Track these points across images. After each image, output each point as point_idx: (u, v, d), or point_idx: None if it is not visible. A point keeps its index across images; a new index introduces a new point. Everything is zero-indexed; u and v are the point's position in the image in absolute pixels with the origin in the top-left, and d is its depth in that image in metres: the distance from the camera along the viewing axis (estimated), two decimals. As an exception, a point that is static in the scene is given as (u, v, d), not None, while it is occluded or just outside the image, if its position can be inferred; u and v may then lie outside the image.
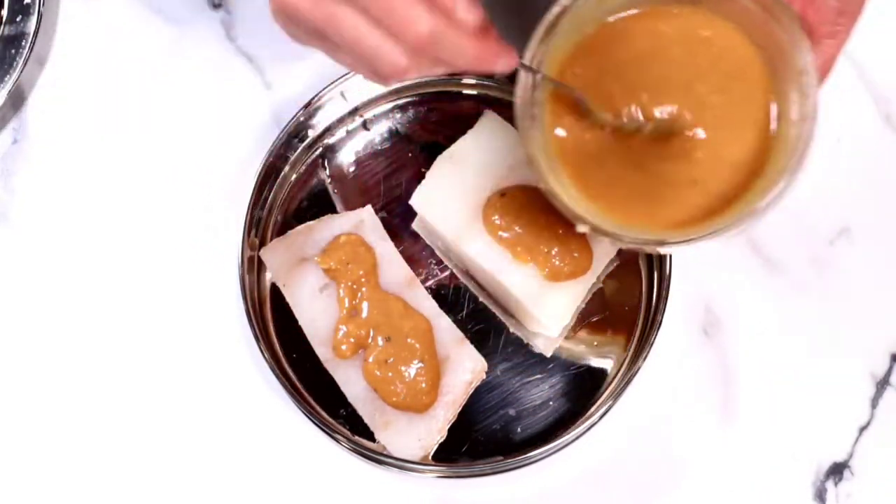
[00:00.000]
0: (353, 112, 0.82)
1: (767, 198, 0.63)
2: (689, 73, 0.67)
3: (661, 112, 0.67)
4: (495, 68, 0.58)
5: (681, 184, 0.66)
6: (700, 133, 0.66)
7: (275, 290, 0.79)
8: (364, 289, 0.76)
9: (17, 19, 0.81)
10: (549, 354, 0.77)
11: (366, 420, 0.75)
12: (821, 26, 0.63)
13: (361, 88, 0.81)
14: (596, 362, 0.77)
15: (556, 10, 0.64)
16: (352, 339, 0.75)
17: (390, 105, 0.82)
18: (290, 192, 0.81)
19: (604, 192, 0.67)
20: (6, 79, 0.81)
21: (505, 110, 0.81)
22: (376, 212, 0.79)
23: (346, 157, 0.82)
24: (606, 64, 0.67)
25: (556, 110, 0.67)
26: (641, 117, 0.67)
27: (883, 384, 0.78)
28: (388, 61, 0.55)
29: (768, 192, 0.63)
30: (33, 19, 0.81)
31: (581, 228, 0.64)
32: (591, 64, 0.68)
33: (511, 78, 0.65)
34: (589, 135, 0.67)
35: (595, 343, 0.78)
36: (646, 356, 0.74)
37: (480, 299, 0.79)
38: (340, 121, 0.82)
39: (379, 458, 0.74)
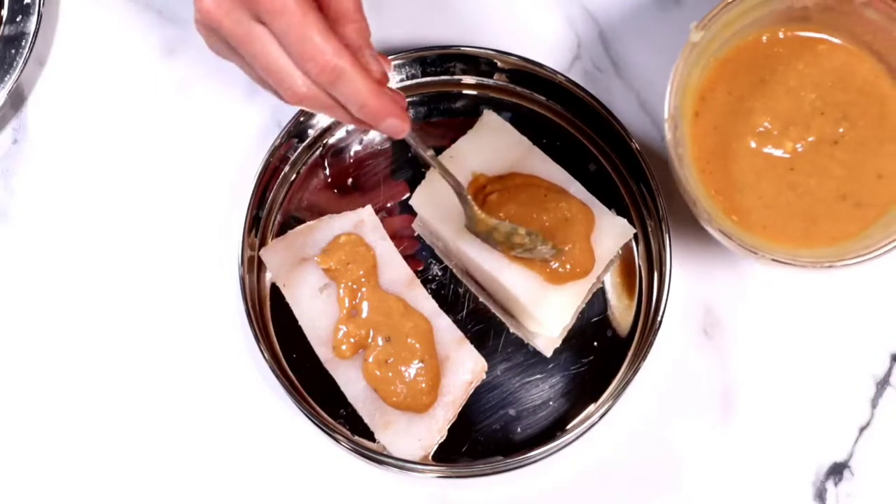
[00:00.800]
0: (353, 112, 0.82)
1: None
2: (819, 92, 0.69)
3: (805, 139, 0.69)
4: (381, 126, 0.61)
5: (831, 199, 0.68)
6: (851, 151, 0.68)
7: (275, 290, 0.79)
8: (364, 289, 0.76)
9: (17, 19, 0.81)
10: (549, 354, 0.77)
11: (366, 420, 0.75)
12: None
13: (361, 88, 0.81)
14: (596, 362, 0.77)
15: (687, 47, 0.68)
16: (352, 339, 0.75)
17: (390, 105, 0.82)
18: (290, 192, 0.81)
19: (762, 219, 0.69)
20: (6, 79, 0.81)
21: (504, 110, 0.81)
22: (376, 212, 0.79)
23: (346, 157, 0.82)
24: (737, 91, 0.70)
25: (700, 145, 0.70)
26: (787, 152, 0.69)
27: (883, 384, 0.78)
28: (290, 86, 0.59)
29: None
30: (33, 19, 0.81)
31: (759, 262, 0.65)
32: (724, 92, 0.71)
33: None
34: (738, 165, 0.69)
35: (595, 343, 0.78)
36: (646, 356, 0.74)
37: (480, 299, 0.79)
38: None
39: (379, 458, 0.74)
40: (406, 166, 0.81)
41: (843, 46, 0.71)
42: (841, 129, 0.70)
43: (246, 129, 0.83)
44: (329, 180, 0.81)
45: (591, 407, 0.76)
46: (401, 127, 0.62)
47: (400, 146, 0.82)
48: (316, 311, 0.77)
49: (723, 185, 0.70)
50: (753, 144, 0.70)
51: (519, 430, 0.76)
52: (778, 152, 0.70)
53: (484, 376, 0.76)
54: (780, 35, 0.71)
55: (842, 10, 0.68)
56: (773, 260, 0.67)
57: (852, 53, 0.70)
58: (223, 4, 0.57)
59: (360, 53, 0.60)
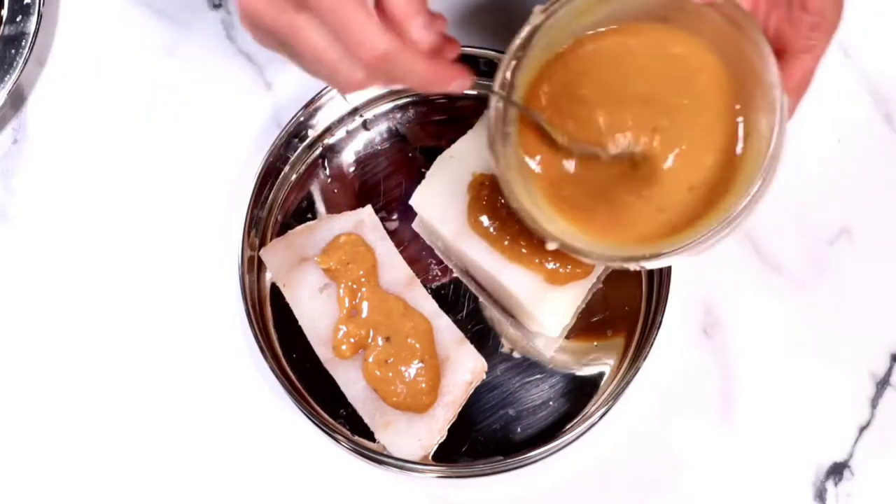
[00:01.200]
0: (353, 112, 0.82)
1: (735, 211, 0.62)
2: (655, 91, 0.67)
3: (624, 135, 0.67)
4: (447, 89, 0.59)
5: (648, 210, 0.67)
6: (665, 157, 0.67)
7: (275, 290, 0.79)
8: (364, 289, 0.76)
9: (17, 19, 0.81)
10: (549, 354, 0.77)
11: (366, 420, 0.75)
12: (797, 41, 0.64)
13: (361, 88, 0.81)
14: (596, 362, 0.77)
15: (527, 27, 0.65)
16: (352, 339, 0.75)
17: (390, 105, 0.82)
18: (290, 192, 0.81)
19: (575, 209, 0.67)
20: (6, 79, 0.81)
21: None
22: (376, 212, 0.79)
23: (346, 157, 0.82)
24: (575, 83, 0.68)
25: (528, 129, 0.68)
26: (602, 147, 0.67)
27: (883, 384, 0.78)
28: (345, 76, 0.56)
29: (736, 205, 0.62)
30: (33, 19, 0.81)
31: (550, 246, 0.64)
32: (560, 82, 0.68)
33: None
34: (560, 154, 0.68)
35: (595, 343, 0.78)
36: (646, 356, 0.74)
37: (480, 299, 0.79)
38: (340, 121, 0.82)
39: (379, 458, 0.74)
40: (406, 166, 0.81)
41: (696, 54, 0.67)
42: (668, 139, 0.67)
43: (246, 129, 0.83)
44: (329, 180, 0.81)
45: (591, 407, 0.76)
46: (464, 85, 0.59)
47: (400, 146, 0.82)
48: (316, 311, 0.77)
49: (540, 164, 0.68)
50: (575, 130, 0.68)
51: (519, 430, 0.76)
52: (596, 145, 0.68)
53: (484, 376, 0.76)
54: (635, 32, 0.68)
55: (693, 13, 0.65)
56: (562, 245, 0.64)
57: (704, 64, 0.67)
58: None
59: (408, 24, 0.56)
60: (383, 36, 0.54)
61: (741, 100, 0.66)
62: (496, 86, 0.65)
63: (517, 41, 0.65)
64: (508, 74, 0.65)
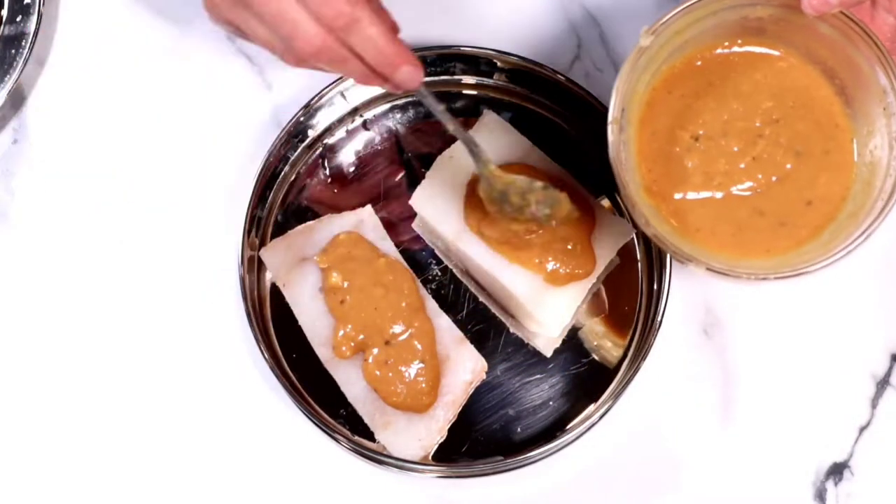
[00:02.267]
0: (353, 112, 0.82)
1: (867, 224, 0.64)
2: (769, 110, 0.68)
3: (751, 157, 0.68)
4: (397, 75, 0.60)
5: (769, 225, 0.68)
6: (783, 174, 0.67)
7: (275, 290, 0.79)
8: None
9: (17, 19, 0.81)
10: (549, 354, 0.77)
11: (366, 420, 0.75)
12: (882, 43, 0.65)
13: (361, 89, 0.81)
14: (596, 362, 0.77)
15: (636, 51, 0.66)
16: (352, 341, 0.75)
17: (390, 105, 0.82)
18: (290, 192, 0.81)
19: (698, 230, 0.67)
20: (6, 79, 0.81)
21: (504, 110, 0.81)
22: (376, 212, 0.79)
23: (346, 157, 0.82)
24: (686, 97, 0.68)
25: (644, 148, 0.68)
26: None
27: (883, 384, 0.78)
28: (304, 38, 0.58)
29: (865, 217, 0.64)
30: (33, 19, 0.81)
31: (697, 270, 0.64)
32: (673, 96, 0.69)
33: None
34: (680, 170, 0.68)
35: (595, 343, 0.78)
36: (646, 356, 0.74)
37: (480, 299, 0.79)
38: (340, 121, 0.82)
39: (379, 458, 0.74)
40: (406, 166, 0.81)
41: (799, 68, 0.68)
42: (780, 155, 0.68)
43: (246, 129, 0.83)
44: (329, 180, 0.81)
45: (591, 407, 0.76)
46: (416, 75, 0.61)
47: (399, 146, 0.82)
48: (316, 311, 0.76)
49: (663, 189, 0.68)
50: (699, 147, 0.69)
51: (519, 430, 0.76)
52: (717, 164, 0.68)
53: (484, 376, 0.76)
54: (736, 47, 0.69)
55: (796, 24, 0.66)
56: (708, 269, 0.65)
57: (810, 76, 0.68)
58: None
59: (371, 1, 0.58)
60: (316, 30, 0.57)
61: (849, 111, 0.67)
62: (611, 115, 0.65)
63: (626, 66, 0.65)
64: (621, 102, 0.66)
